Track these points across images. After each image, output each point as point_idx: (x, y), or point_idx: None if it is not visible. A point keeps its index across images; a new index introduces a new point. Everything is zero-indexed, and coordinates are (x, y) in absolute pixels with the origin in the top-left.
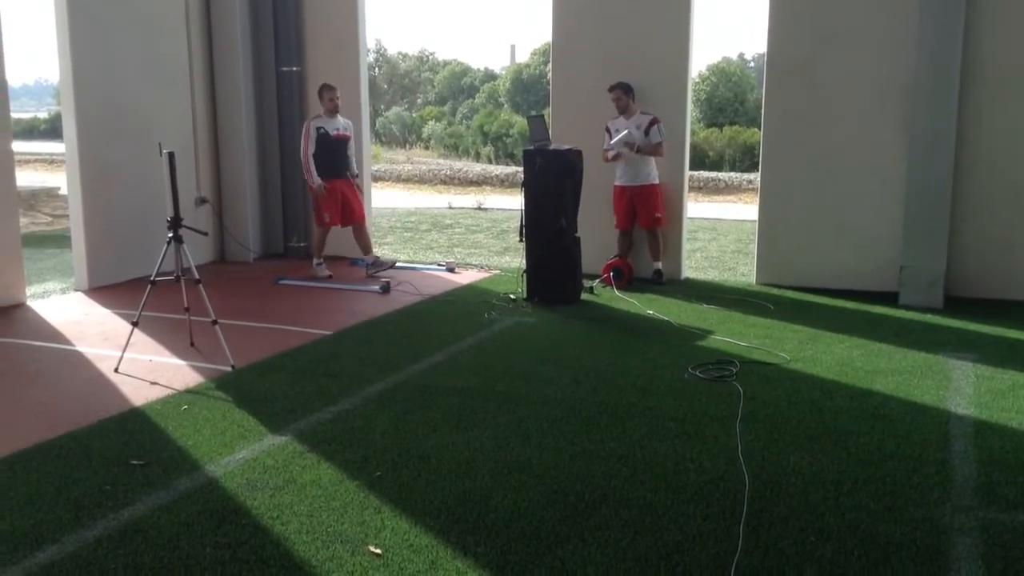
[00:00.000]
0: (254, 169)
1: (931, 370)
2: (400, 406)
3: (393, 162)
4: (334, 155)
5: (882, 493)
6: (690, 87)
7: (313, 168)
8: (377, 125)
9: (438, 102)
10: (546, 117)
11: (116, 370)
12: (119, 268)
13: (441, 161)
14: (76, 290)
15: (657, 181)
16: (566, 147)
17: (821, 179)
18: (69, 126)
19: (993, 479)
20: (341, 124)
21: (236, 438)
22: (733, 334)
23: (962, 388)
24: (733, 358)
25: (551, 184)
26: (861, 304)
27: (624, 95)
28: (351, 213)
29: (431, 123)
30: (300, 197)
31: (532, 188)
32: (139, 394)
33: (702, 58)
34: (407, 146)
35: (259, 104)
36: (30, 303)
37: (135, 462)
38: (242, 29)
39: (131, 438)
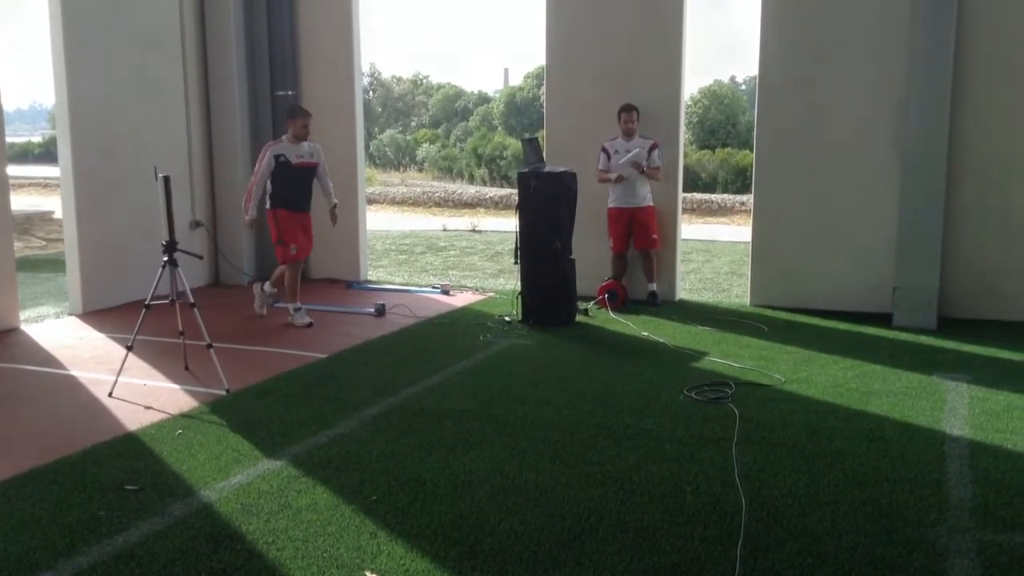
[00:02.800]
0: None
1: (925, 391)
2: (396, 429)
3: (388, 184)
4: (298, 185)
5: (878, 515)
6: (683, 109)
7: (254, 200)
8: (371, 148)
9: (432, 125)
10: (540, 140)
11: (110, 395)
12: (114, 292)
13: (435, 183)
14: (70, 314)
15: (652, 203)
16: (560, 169)
17: (815, 200)
18: (64, 150)
19: (989, 500)
20: (306, 150)
21: (231, 463)
22: (728, 355)
23: (957, 409)
24: (728, 380)
25: (546, 206)
26: (854, 325)
27: (638, 118)
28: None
29: (425, 145)
30: None
31: (527, 210)
32: (133, 419)
33: (694, 81)
34: (401, 168)
35: (254, 128)
36: (24, 327)
37: (129, 487)
38: (237, 53)
39: (125, 463)
